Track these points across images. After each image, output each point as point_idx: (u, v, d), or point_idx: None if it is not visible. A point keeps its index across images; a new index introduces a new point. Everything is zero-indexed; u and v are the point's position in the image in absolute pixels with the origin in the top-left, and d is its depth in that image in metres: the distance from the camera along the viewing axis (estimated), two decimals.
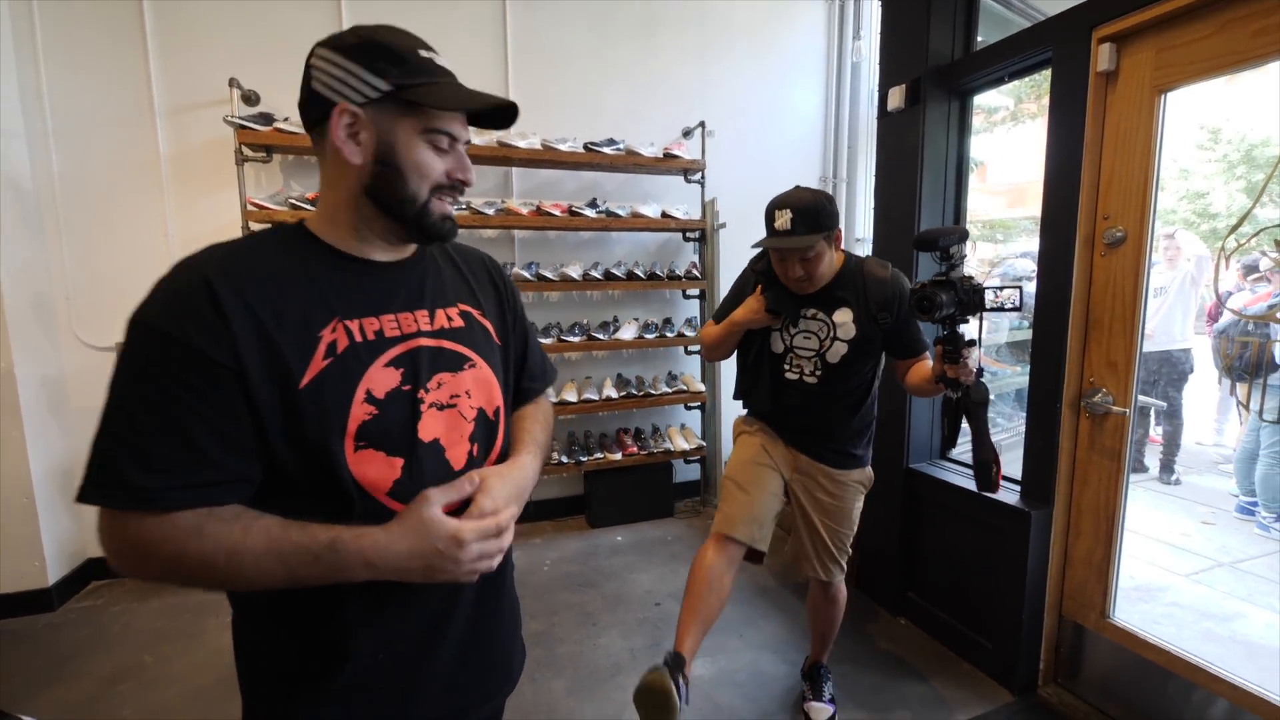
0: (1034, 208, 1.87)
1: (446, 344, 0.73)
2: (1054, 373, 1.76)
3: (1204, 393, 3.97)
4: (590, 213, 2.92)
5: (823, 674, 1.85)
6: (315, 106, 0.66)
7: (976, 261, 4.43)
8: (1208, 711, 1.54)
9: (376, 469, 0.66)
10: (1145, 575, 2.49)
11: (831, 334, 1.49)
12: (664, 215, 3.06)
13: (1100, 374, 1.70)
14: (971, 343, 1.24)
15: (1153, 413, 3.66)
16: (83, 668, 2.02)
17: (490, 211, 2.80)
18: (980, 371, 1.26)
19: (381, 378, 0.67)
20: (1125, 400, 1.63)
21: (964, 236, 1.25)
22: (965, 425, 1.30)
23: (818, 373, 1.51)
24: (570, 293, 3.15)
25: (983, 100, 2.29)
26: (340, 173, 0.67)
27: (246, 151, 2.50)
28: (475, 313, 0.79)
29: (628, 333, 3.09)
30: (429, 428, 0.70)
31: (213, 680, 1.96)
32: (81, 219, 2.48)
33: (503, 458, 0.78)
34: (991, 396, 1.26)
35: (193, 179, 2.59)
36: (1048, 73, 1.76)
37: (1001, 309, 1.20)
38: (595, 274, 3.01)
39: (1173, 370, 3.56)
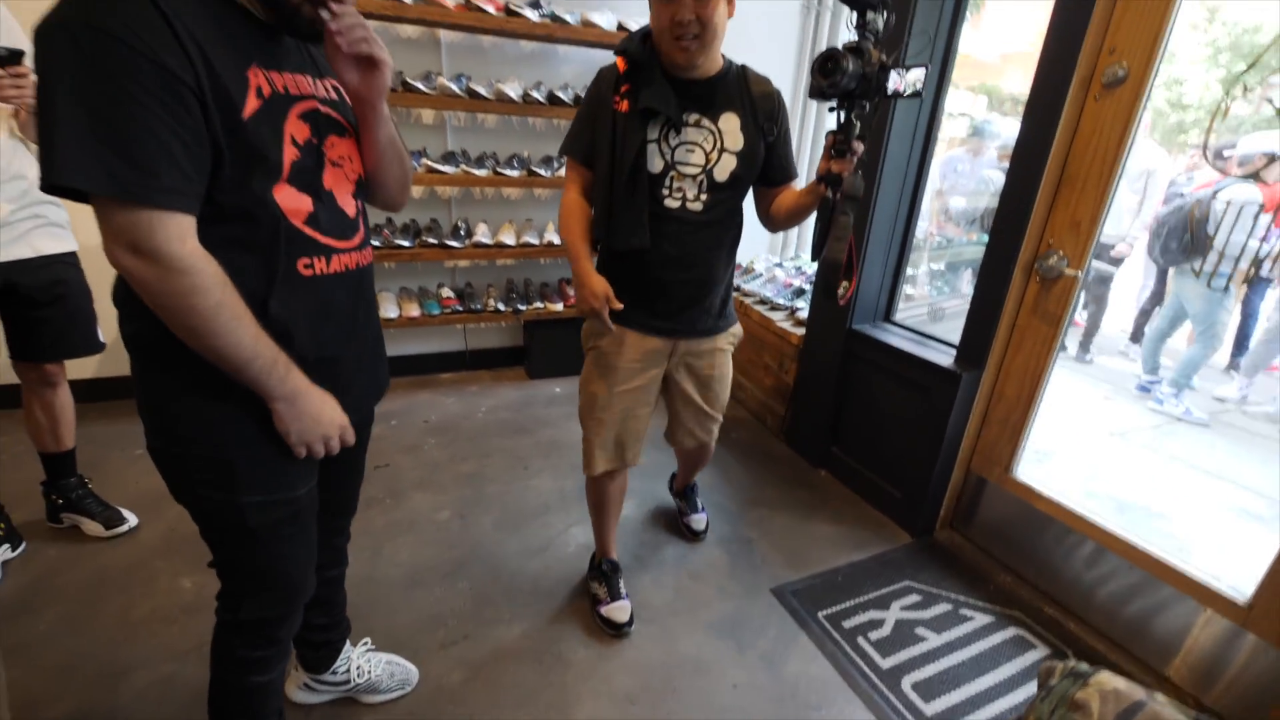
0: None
1: (333, 112, 0.83)
2: (1016, 233, 1.66)
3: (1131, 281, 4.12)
4: (532, 15, 2.44)
5: (694, 490, 2.00)
6: None
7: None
8: (1075, 553, 1.70)
9: (295, 201, 0.76)
10: (1048, 438, 2.68)
11: (718, 144, 1.25)
12: (620, 28, 2.62)
13: (1060, 235, 1.62)
14: (862, 136, 1.08)
15: (1081, 296, 3.77)
16: None
17: (409, 0, 2.29)
18: (858, 167, 1.10)
19: (297, 127, 0.75)
20: (1079, 262, 1.57)
21: (890, 8, 1.03)
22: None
23: (703, 196, 1.27)
24: (509, 118, 2.74)
25: None
26: None
27: None
28: (342, 88, 0.86)
29: None
30: (329, 178, 0.81)
31: None
32: None
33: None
34: (859, 191, 1.09)
35: None
36: None
37: (900, 96, 1.02)
38: (537, 95, 2.60)
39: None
